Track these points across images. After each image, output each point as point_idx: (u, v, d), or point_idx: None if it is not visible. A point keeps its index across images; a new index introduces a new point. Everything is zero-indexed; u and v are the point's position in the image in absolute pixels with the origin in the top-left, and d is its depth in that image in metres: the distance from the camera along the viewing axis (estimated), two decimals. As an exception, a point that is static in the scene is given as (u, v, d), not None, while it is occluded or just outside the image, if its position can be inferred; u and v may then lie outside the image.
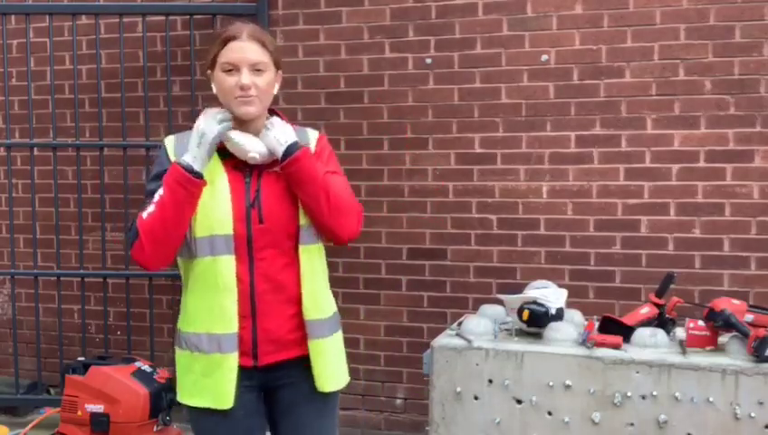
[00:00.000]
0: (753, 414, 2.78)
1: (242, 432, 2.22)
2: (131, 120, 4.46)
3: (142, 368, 3.71)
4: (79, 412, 3.60)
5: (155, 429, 3.63)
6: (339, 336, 2.31)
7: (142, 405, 3.56)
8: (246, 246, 2.14)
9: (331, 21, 4.27)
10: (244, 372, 2.17)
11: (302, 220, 2.18)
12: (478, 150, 4.10)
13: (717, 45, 3.75)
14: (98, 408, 3.57)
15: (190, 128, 2.21)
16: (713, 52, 3.76)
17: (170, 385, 3.74)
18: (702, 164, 3.81)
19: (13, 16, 4.66)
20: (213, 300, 2.13)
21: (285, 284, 2.18)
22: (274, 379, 2.23)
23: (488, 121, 4.07)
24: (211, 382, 2.15)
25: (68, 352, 4.55)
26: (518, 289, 3.50)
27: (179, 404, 2.29)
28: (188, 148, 2.12)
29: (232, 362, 2.13)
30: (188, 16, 4.38)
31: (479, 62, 4.06)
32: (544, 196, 4.01)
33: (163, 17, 4.40)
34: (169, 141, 2.25)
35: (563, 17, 3.94)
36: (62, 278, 4.55)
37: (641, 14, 3.84)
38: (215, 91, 2.21)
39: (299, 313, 2.19)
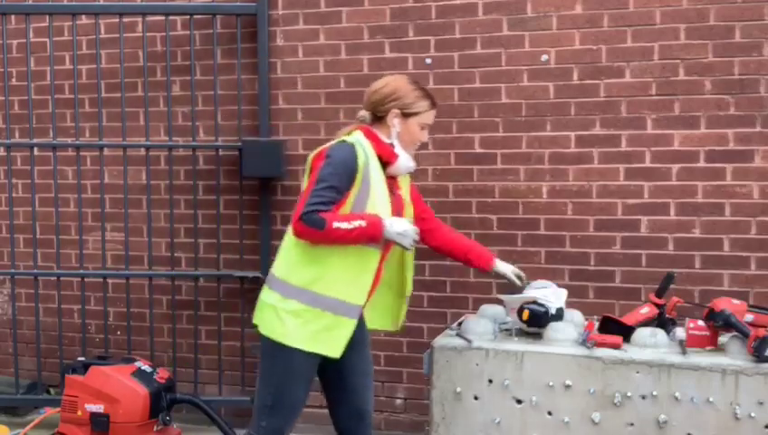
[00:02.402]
0: (753, 414, 2.78)
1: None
2: (131, 120, 4.47)
3: (142, 368, 3.70)
4: (79, 412, 3.60)
5: (155, 429, 3.63)
6: None
7: (142, 405, 3.57)
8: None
9: (331, 21, 4.26)
10: None
11: None
12: (478, 150, 4.09)
13: (717, 45, 3.75)
14: (98, 408, 3.57)
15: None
16: (713, 52, 3.76)
17: (170, 385, 3.74)
18: (702, 164, 3.81)
19: (13, 16, 4.66)
20: (356, 278, 2.76)
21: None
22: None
23: (488, 121, 4.07)
24: (331, 336, 2.74)
25: (68, 352, 4.55)
26: (518, 289, 3.50)
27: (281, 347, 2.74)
28: (388, 231, 2.71)
29: (353, 324, 2.77)
30: (188, 16, 4.38)
31: (479, 62, 4.06)
32: (544, 196, 4.01)
33: (163, 17, 4.40)
34: (360, 151, 2.73)
35: (563, 17, 3.94)
36: (61, 278, 4.56)
37: (641, 14, 3.83)
38: (397, 129, 2.85)
39: None
